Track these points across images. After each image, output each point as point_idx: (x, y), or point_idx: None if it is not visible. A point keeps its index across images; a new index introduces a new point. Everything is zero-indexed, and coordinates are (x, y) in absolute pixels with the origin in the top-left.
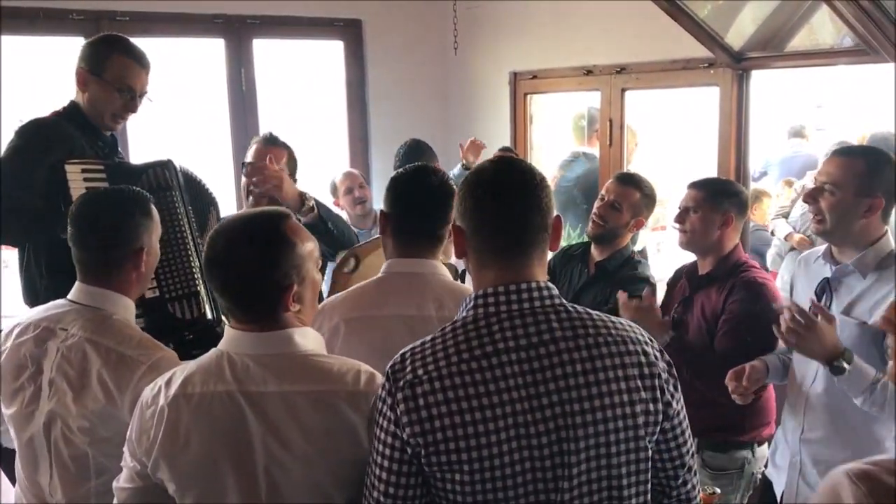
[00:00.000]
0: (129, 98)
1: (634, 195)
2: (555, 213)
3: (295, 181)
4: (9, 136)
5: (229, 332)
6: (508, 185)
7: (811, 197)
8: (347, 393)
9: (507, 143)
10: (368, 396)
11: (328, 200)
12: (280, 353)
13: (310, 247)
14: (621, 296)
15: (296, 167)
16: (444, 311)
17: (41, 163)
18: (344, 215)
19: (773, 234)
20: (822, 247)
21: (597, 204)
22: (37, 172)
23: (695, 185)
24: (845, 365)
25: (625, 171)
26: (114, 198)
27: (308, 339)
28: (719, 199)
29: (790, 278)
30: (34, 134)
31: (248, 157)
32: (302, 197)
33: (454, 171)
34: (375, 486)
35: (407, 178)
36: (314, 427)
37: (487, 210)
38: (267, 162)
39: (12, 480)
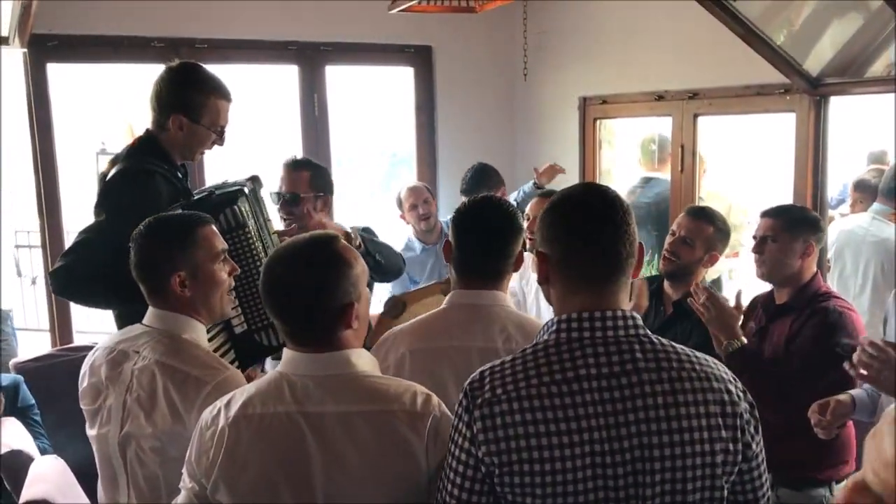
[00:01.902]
0: (221, 134)
1: (707, 230)
2: (638, 240)
3: (329, 198)
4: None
5: (287, 353)
6: (598, 213)
7: None
8: (405, 413)
9: (575, 167)
10: (425, 417)
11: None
12: (338, 374)
13: (362, 264)
14: (693, 302)
15: (325, 185)
16: (510, 343)
17: (128, 228)
18: (410, 229)
19: None
20: None
21: (668, 239)
22: (125, 238)
23: (770, 214)
24: None
25: (696, 203)
26: (153, 227)
27: (363, 360)
28: (799, 227)
29: (883, 314)
30: (118, 200)
31: (277, 186)
32: (347, 237)
33: (525, 188)
34: (447, 503)
35: (472, 213)
36: (371, 447)
37: (577, 238)
38: (306, 213)
39: (94, 500)
